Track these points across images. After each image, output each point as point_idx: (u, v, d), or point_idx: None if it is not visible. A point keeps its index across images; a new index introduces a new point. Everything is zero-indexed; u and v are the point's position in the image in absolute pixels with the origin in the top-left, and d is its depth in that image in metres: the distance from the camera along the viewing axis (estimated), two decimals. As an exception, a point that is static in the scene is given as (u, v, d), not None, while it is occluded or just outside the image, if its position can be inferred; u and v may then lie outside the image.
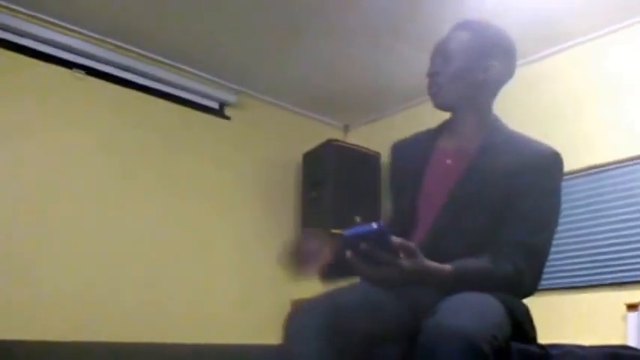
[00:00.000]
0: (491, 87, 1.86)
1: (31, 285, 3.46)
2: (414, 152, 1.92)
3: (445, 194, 1.75)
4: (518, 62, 4.04)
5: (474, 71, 1.81)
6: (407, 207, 1.82)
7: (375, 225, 1.37)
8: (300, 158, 4.84)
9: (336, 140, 4.74)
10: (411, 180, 1.85)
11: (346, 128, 5.32)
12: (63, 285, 3.57)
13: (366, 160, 4.59)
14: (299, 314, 1.57)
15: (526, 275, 1.63)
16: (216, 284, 4.24)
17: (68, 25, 3.85)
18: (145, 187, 4.06)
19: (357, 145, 4.62)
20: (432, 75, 1.85)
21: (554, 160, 1.77)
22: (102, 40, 4.00)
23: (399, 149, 2.03)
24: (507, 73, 1.88)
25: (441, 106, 1.87)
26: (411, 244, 1.46)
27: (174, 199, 4.17)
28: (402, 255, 1.44)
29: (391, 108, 4.79)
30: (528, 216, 1.68)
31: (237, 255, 4.41)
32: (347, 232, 1.42)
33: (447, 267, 1.52)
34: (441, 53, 1.85)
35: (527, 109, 3.97)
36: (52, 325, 3.36)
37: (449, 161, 1.83)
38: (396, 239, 1.44)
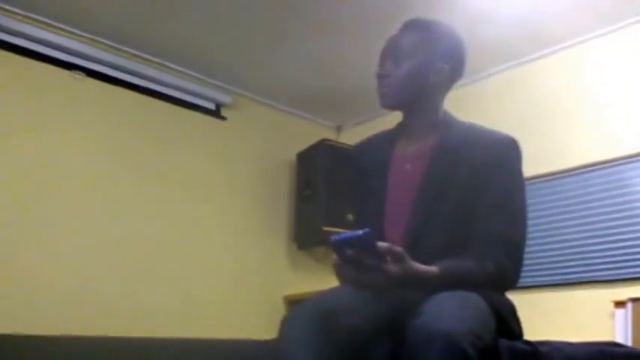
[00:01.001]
0: (440, 89, 1.85)
1: (26, 280, 3.47)
2: (375, 157, 1.92)
3: (410, 199, 1.76)
4: (508, 64, 4.11)
5: (423, 74, 1.80)
6: (373, 214, 1.83)
7: (360, 231, 1.40)
8: (294, 158, 4.88)
9: (330, 140, 4.78)
10: (375, 187, 1.86)
11: (339, 129, 5.35)
12: (55, 280, 3.58)
13: (358, 159, 4.63)
14: (291, 317, 1.58)
15: (508, 269, 1.65)
16: (211, 281, 4.26)
17: (66, 27, 3.87)
18: (143, 185, 4.09)
19: (350, 145, 4.65)
20: (381, 76, 1.84)
21: (513, 146, 1.78)
22: (101, 42, 4.02)
23: (361, 152, 2.03)
24: (457, 75, 1.87)
25: (388, 107, 1.87)
26: (399, 249, 1.48)
27: (170, 198, 4.20)
28: (389, 259, 1.47)
29: (383, 109, 4.80)
30: (499, 206, 1.69)
31: (232, 253, 4.43)
32: (334, 238, 1.44)
33: (434, 269, 1.55)
34: (391, 55, 1.83)
35: (515, 110, 4.01)
36: (42, 319, 3.35)
37: (408, 166, 1.83)
38: (382, 244, 1.46)
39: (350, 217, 4.06)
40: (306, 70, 4.44)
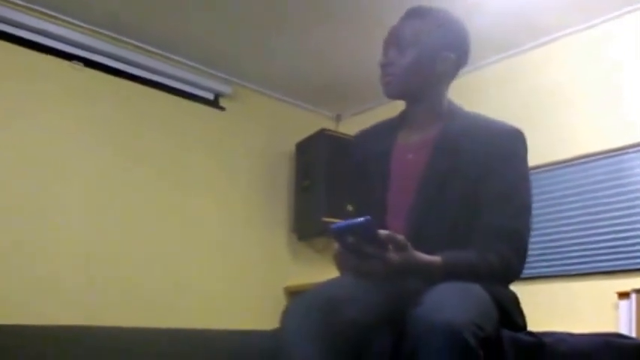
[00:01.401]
0: (445, 78, 1.83)
1: (21, 271, 3.47)
2: (376, 146, 1.89)
3: (413, 189, 1.74)
4: (509, 53, 4.05)
5: (428, 63, 1.77)
6: (375, 204, 1.80)
7: (361, 219, 1.38)
8: (293, 148, 4.87)
9: (329, 130, 4.76)
10: (377, 177, 1.83)
11: (338, 118, 5.32)
12: (54, 269, 3.58)
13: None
14: (292, 308, 1.56)
15: (512, 261, 1.64)
16: (212, 273, 4.26)
17: (65, 17, 3.85)
18: (142, 176, 4.08)
19: (349, 135, 4.63)
20: (385, 65, 1.81)
21: (519, 137, 1.76)
22: (99, 33, 4.00)
23: (362, 141, 2.00)
24: (462, 63, 1.84)
25: (392, 96, 1.84)
26: (401, 237, 1.46)
27: (169, 188, 4.19)
28: (390, 247, 1.45)
29: (382, 98, 4.74)
30: (504, 197, 1.67)
31: (232, 244, 4.42)
32: (335, 225, 1.43)
33: (437, 260, 1.53)
34: (394, 43, 1.80)
35: (516, 99, 3.99)
36: (44, 310, 3.35)
37: (410, 156, 1.81)
38: (383, 232, 1.44)
39: (349, 207, 4.04)
40: (305, 60, 4.42)
